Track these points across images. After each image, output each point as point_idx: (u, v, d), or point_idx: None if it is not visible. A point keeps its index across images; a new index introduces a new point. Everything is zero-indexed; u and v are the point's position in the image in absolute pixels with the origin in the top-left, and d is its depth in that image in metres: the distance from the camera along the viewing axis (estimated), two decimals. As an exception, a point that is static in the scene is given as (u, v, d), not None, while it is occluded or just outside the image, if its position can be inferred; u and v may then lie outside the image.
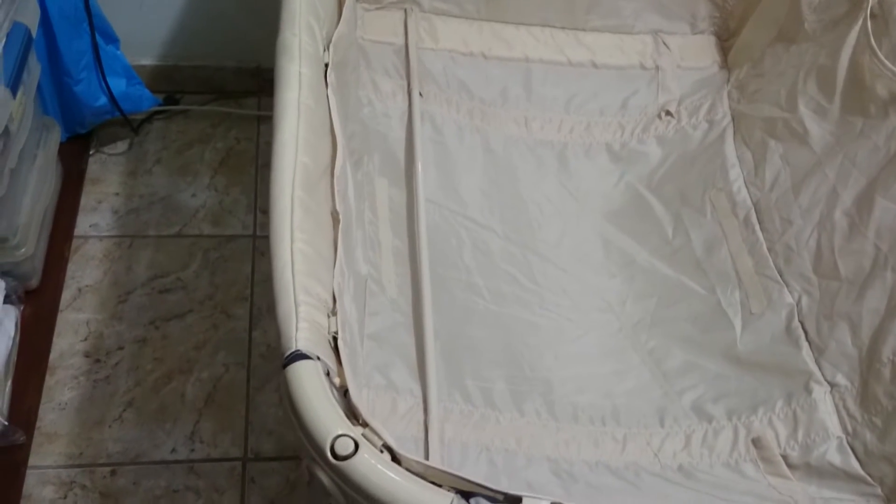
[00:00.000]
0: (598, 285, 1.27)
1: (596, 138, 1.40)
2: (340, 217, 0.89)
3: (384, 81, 1.36)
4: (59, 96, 1.48)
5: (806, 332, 1.16)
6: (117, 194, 1.63)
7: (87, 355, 1.44)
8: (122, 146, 1.69)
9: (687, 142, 1.38)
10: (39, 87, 1.41)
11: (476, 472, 1.00)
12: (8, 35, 1.20)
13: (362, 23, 1.40)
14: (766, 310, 1.20)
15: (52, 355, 1.42)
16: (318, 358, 0.67)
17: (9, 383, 1.32)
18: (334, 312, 0.75)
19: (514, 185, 1.34)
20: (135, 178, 1.66)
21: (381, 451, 0.63)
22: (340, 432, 0.60)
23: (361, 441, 0.60)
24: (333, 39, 1.02)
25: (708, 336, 1.20)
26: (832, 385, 1.11)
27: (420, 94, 1.36)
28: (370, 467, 0.59)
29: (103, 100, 1.52)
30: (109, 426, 1.36)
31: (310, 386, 0.64)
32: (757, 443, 1.10)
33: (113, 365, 1.43)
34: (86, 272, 1.52)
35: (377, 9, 1.43)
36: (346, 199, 1.01)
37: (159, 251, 1.57)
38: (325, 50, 0.99)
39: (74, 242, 1.54)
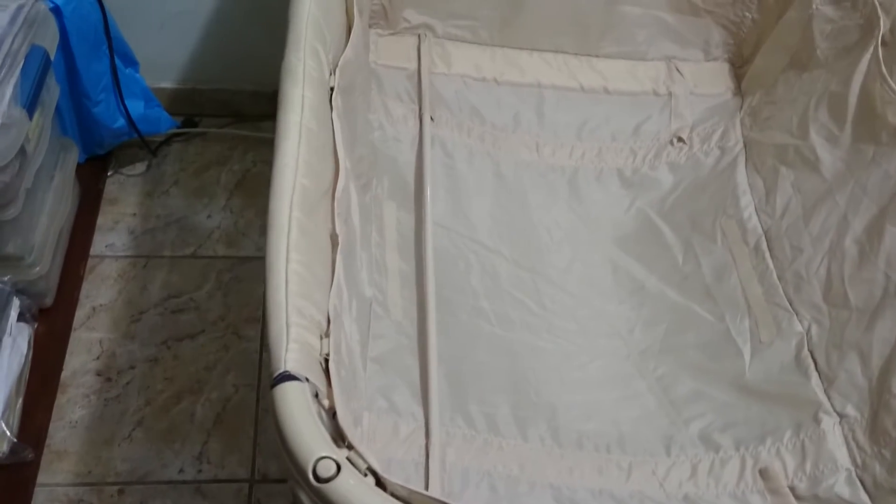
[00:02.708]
0: (607, 311, 1.27)
1: (607, 164, 1.40)
2: (340, 239, 0.90)
3: (396, 106, 1.37)
4: (77, 117, 1.51)
5: (815, 362, 1.14)
6: (134, 215, 1.65)
7: (98, 374, 1.45)
8: (140, 167, 1.71)
9: (698, 168, 1.37)
10: (58, 109, 1.44)
11: (477, 498, 1.00)
12: (26, 57, 1.23)
13: (375, 48, 1.42)
14: (775, 338, 1.18)
15: (65, 373, 1.43)
16: (307, 379, 0.67)
17: (20, 401, 1.34)
18: (327, 334, 0.75)
19: (523, 210, 1.34)
20: (152, 198, 1.68)
21: (365, 475, 0.63)
22: (323, 454, 0.60)
23: (344, 464, 0.60)
24: (340, 63, 1.03)
25: (716, 364, 1.19)
26: (841, 416, 1.09)
27: (431, 119, 1.36)
28: (351, 490, 0.59)
29: (121, 121, 1.54)
30: (119, 445, 1.37)
31: (295, 407, 0.64)
32: (764, 474, 1.08)
33: (124, 384, 1.44)
34: (100, 291, 1.54)
35: (390, 34, 1.45)
36: (350, 221, 1.02)
37: (174, 272, 1.58)
38: (331, 74, 1.00)
39: (90, 262, 1.56)
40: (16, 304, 1.36)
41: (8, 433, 1.27)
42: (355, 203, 1.08)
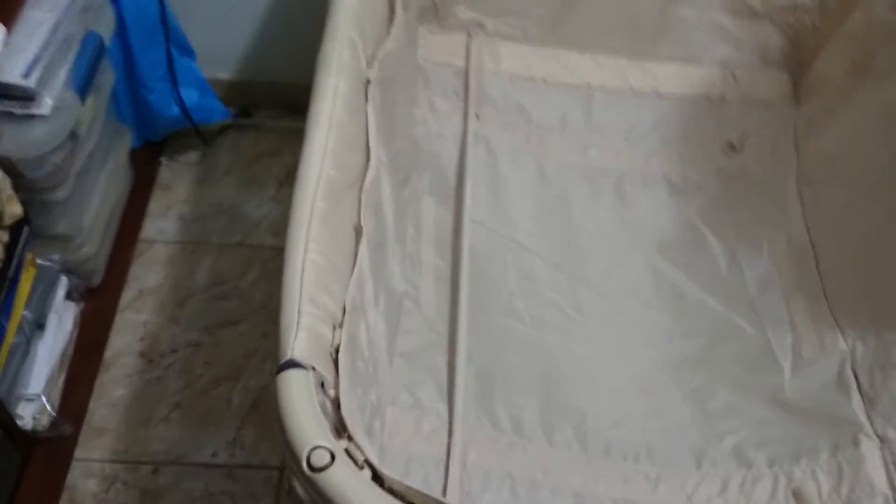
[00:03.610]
0: (645, 319, 1.24)
1: (655, 169, 1.37)
2: (366, 231, 0.90)
3: (441, 102, 1.36)
4: (133, 104, 1.54)
5: (858, 382, 1.10)
6: (186, 201, 1.68)
7: (141, 355, 1.48)
8: (194, 156, 1.74)
9: (748, 177, 1.33)
10: (114, 95, 1.47)
11: (498, 501, 0.99)
12: (81, 43, 1.26)
13: (425, 44, 1.42)
14: (817, 355, 1.14)
15: (108, 353, 1.47)
16: (314, 369, 0.67)
17: (63, 377, 1.37)
18: (341, 325, 0.75)
19: (565, 212, 1.32)
20: (204, 187, 1.71)
21: (362, 468, 0.62)
22: (319, 444, 0.60)
23: (340, 454, 0.60)
24: (380, 56, 1.03)
25: (755, 378, 1.16)
26: (882, 439, 1.05)
27: (477, 117, 1.36)
28: (343, 482, 0.58)
29: (176, 110, 1.57)
30: (156, 425, 1.40)
31: (297, 395, 0.64)
32: (797, 494, 1.04)
33: (165, 366, 1.46)
34: (148, 275, 1.57)
35: (441, 31, 1.44)
36: (380, 214, 1.01)
37: (220, 259, 1.61)
38: (368, 66, 1.00)
39: (140, 246, 1.59)
40: (63, 282, 1.39)
41: (49, 408, 1.30)
42: (389, 197, 1.07)
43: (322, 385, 0.68)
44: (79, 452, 1.36)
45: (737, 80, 1.40)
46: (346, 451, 0.63)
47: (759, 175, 1.33)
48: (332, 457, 0.59)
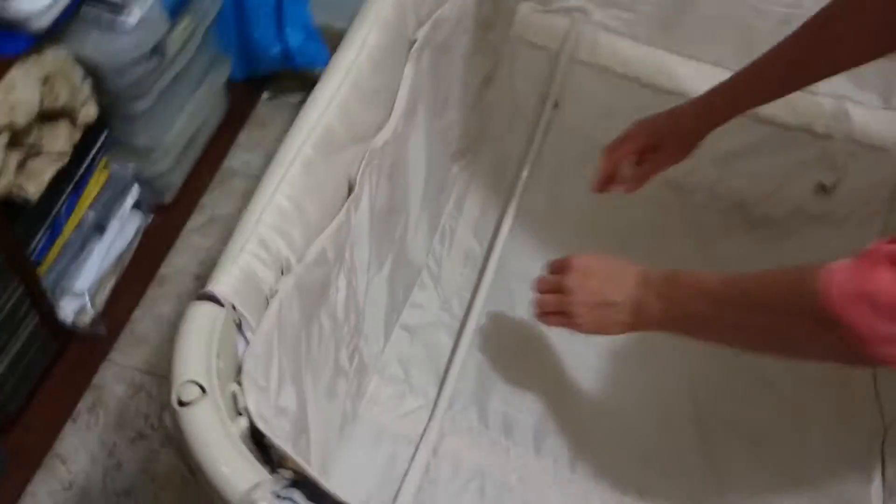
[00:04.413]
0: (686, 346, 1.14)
1: (733, 198, 1.27)
2: (366, 191, 0.87)
3: (523, 84, 1.31)
4: (238, 37, 1.57)
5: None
6: (277, 140, 1.69)
7: (197, 278, 1.51)
8: (296, 97, 1.76)
9: (831, 227, 1.21)
10: (220, 24, 1.50)
11: (461, 495, 0.94)
12: (180, -36, 1.29)
13: (523, 21, 1.37)
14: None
15: (165, 270, 1.51)
16: (234, 308, 0.65)
17: (113, 281, 1.43)
18: (288, 271, 0.73)
19: (622, 215, 1.24)
20: (298, 130, 1.72)
21: (239, 413, 0.60)
22: (192, 378, 0.58)
23: (212, 395, 0.58)
24: (433, 18, 0.99)
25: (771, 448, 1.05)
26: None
27: (556, 105, 1.30)
28: (199, 421, 0.56)
29: (278, 49, 1.59)
30: (191, 347, 1.43)
31: (197, 327, 0.62)
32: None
33: (215, 293, 1.49)
34: (223, 203, 1.61)
35: (545, 11, 1.39)
36: (401, 180, 0.99)
37: (295, 202, 1.62)
38: (419, 25, 0.97)
39: (221, 174, 1.63)
40: (134, 192, 1.44)
41: (89, 305, 1.36)
42: (423, 165, 1.04)
43: (240, 326, 0.66)
44: (115, 356, 1.41)
45: (850, 119, 1.27)
46: (233, 394, 0.61)
47: (842, 223, 1.21)
48: (203, 392, 0.57)
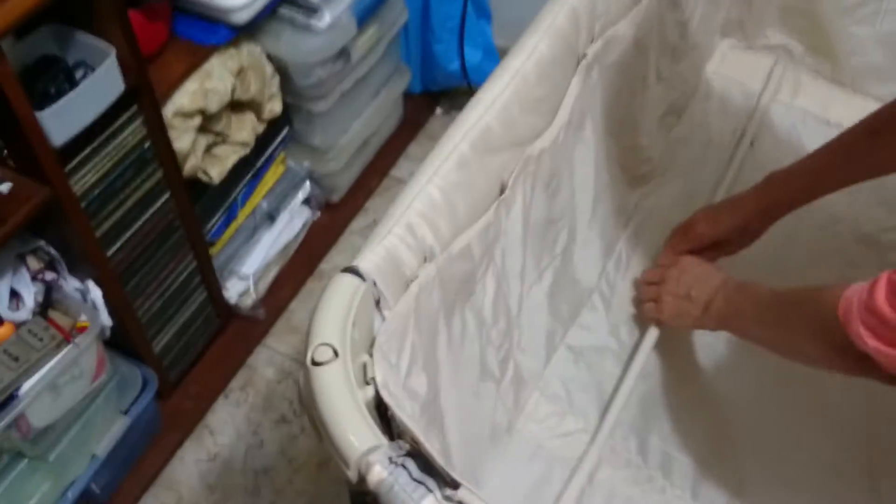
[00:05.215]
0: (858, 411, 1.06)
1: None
2: (519, 198, 0.88)
3: (717, 119, 1.30)
4: (420, 50, 1.63)
5: None
6: (446, 155, 1.74)
7: (354, 277, 1.57)
8: (468, 115, 1.80)
9: None
10: (405, 36, 1.56)
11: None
12: (373, -25, 1.35)
13: (722, 58, 1.36)
14: None
15: (325, 265, 1.58)
16: (375, 284, 0.68)
17: (276, 270, 1.50)
18: (432, 259, 0.74)
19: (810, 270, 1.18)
20: (467, 146, 1.76)
21: (367, 384, 0.62)
22: (328, 341, 0.61)
23: (343, 359, 0.60)
24: (607, 35, 0.99)
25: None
26: None
27: (751, 144, 1.27)
28: (327, 382, 0.58)
29: (456, 65, 1.63)
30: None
31: (338, 296, 0.65)
32: None
33: (369, 294, 1.54)
34: (385, 209, 1.64)
35: (746, 48, 1.38)
36: (561, 193, 0.99)
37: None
38: (591, 41, 0.97)
39: (388, 181, 1.69)
40: (305, 188, 1.52)
41: (253, 289, 1.43)
42: (591, 183, 1.04)
43: (378, 303, 0.68)
44: (269, 341, 1.48)
45: None
46: (364, 364, 0.63)
47: None
48: (336, 355, 0.60)
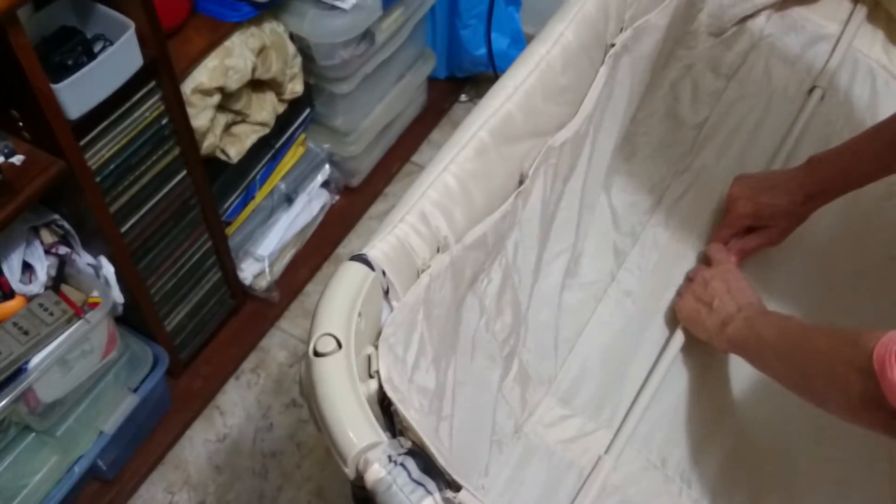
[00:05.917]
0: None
1: None
2: (540, 189, 0.86)
3: (778, 67, 1.24)
4: (446, 34, 1.60)
5: None
6: (469, 142, 1.72)
7: (371, 263, 1.55)
8: (493, 103, 1.77)
9: None
10: (431, 21, 1.54)
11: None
12: (402, -43, 1.32)
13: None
14: None
15: (342, 249, 1.56)
16: (384, 274, 0.66)
17: (292, 253, 1.49)
18: (445, 250, 0.72)
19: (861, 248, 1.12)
20: (491, 134, 1.74)
21: (371, 377, 0.60)
22: (331, 332, 0.59)
23: (347, 350, 0.58)
24: (636, 26, 0.96)
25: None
26: None
27: (813, 91, 1.22)
28: (328, 373, 0.56)
29: (483, 51, 1.60)
30: (354, 328, 1.47)
31: (344, 284, 0.63)
32: None
33: (386, 280, 1.52)
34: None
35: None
36: (575, 185, 0.96)
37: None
38: (621, 31, 0.94)
39: (409, 166, 1.67)
40: (325, 170, 1.50)
41: (268, 271, 1.42)
42: (603, 170, 1.01)
43: (387, 293, 0.67)
44: (284, 324, 1.47)
45: None
46: (368, 357, 0.61)
47: None
48: (339, 346, 0.58)
